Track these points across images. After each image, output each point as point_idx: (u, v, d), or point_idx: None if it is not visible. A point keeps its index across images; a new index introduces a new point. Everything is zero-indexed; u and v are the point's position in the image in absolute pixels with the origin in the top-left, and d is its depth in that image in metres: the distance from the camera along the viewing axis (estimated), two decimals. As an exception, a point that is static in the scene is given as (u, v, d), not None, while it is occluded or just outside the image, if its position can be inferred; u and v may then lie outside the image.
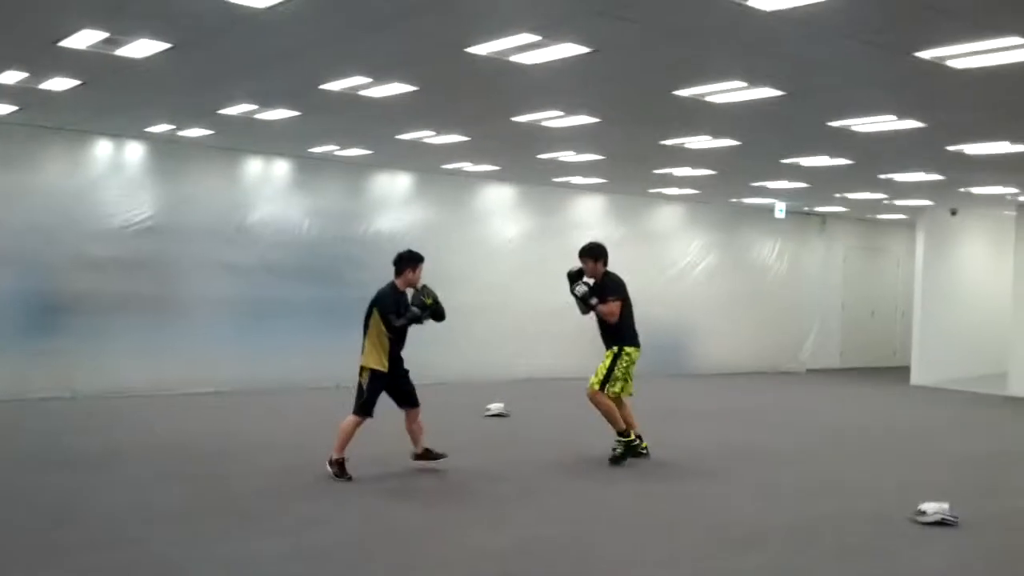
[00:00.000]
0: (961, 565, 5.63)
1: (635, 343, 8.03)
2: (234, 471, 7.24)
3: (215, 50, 6.33)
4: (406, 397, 7.31)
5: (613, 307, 7.89)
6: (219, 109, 8.70)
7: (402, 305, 7.16)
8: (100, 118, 9.71)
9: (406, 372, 7.29)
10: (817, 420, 11.55)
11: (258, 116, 8.90)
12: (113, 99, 8.50)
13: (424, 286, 7.26)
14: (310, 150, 11.53)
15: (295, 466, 7.46)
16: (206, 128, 9.99)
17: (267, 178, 12.22)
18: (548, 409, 11.25)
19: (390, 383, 7.18)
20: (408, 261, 7.29)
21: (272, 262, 12.02)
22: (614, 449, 7.95)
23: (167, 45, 6.15)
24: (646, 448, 8.17)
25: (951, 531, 6.25)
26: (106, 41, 6.10)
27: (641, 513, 6.50)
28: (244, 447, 8.22)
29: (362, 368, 7.12)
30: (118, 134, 10.86)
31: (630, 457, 7.91)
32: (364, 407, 7.08)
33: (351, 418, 7.07)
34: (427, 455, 7.41)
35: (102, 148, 10.92)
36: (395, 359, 7.19)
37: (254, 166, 12.08)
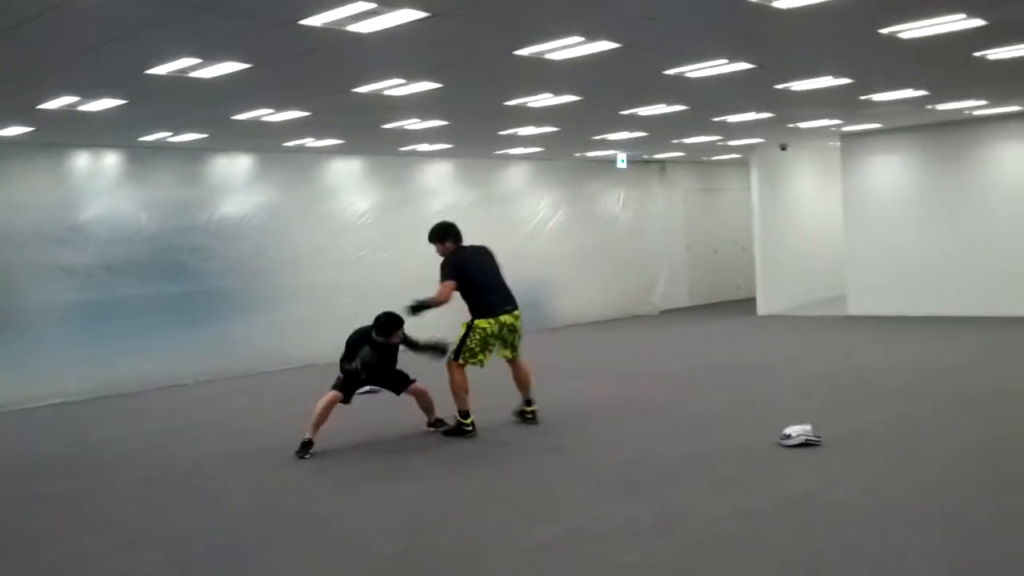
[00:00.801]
0: (832, 481, 5.93)
1: (487, 314, 7.76)
2: (91, 484, 6.89)
3: (26, 41, 5.91)
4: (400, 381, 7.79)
5: (442, 291, 7.70)
6: (37, 104, 8.16)
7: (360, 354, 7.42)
8: (-98, 123, 8.97)
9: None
10: (672, 360, 11.95)
11: (81, 108, 8.39)
12: (-85, 102, 7.86)
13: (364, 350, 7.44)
14: (141, 139, 10.98)
15: (156, 471, 7.19)
16: (25, 125, 9.36)
17: (97, 172, 11.57)
18: (415, 375, 11.18)
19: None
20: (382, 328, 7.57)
21: (111, 260, 11.44)
22: (440, 422, 8.02)
23: (-28, 39, 5.71)
24: (533, 414, 8.16)
25: (817, 451, 6.61)
26: (-98, 39, 5.61)
27: (517, 472, 6.57)
28: (99, 457, 7.84)
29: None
30: (-76, 139, 10.07)
31: (456, 437, 7.72)
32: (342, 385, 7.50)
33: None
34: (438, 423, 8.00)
35: (-92, 155, 10.11)
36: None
37: (82, 161, 11.41)
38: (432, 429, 7.93)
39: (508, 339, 7.84)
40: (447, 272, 7.77)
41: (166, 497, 6.40)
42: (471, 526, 5.39)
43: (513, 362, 8.01)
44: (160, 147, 11.67)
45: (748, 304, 17.49)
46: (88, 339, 11.09)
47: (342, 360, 7.43)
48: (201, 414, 9.72)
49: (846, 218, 15.80)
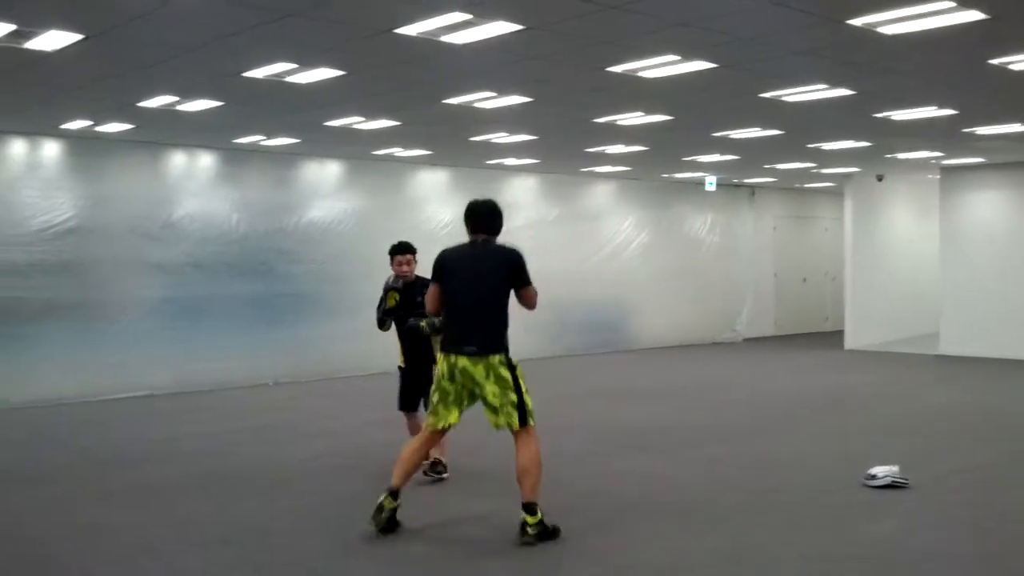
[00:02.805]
0: (917, 526, 5.68)
1: (444, 348, 5.48)
2: (168, 477, 6.99)
3: (131, 40, 6.06)
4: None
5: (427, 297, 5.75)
6: (138, 102, 8.37)
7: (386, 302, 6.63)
8: (12, 116, 9.29)
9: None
10: (757, 391, 11.65)
11: (180, 108, 8.59)
12: (25, 96, 8.12)
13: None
14: (235, 141, 11.21)
15: (232, 468, 7.26)
16: (125, 122, 9.63)
17: (191, 172, 11.86)
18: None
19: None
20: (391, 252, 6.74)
21: (201, 259, 11.69)
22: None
23: (79, 36, 5.86)
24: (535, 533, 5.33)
25: (902, 493, 6.33)
26: (14, 34, 5.79)
27: (591, 497, 6.44)
28: (178, 451, 7.96)
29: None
30: (32, 132, 10.42)
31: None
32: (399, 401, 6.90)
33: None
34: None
35: (16, 148, 10.46)
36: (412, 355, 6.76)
37: (177, 160, 11.70)
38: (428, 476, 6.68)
39: (477, 395, 5.38)
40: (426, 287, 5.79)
41: (237, 495, 6.44)
42: (529, 548, 5.25)
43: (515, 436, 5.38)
44: (253, 150, 11.89)
45: (835, 337, 17.03)
46: (174, 335, 11.33)
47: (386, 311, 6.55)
48: (279, 415, 9.82)
49: (942, 254, 15.27)
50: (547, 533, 5.22)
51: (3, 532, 5.62)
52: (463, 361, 5.29)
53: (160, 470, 7.21)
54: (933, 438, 8.41)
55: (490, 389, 5.26)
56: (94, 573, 4.92)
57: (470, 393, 5.38)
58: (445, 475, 6.72)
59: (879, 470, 6.56)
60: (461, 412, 5.44)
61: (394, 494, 5.40)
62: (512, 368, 5.32)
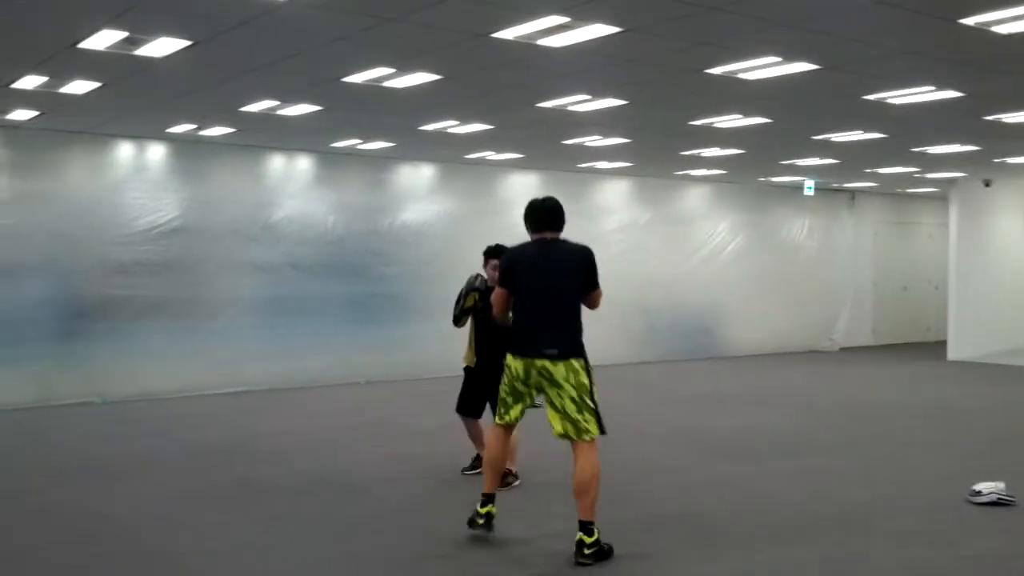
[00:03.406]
0: None
1: (513, 351, 5.29)
2: (267, 474, 7.14)
3: (235, 46, 6.21)
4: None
5: (492, 300, 5.72)
6: (240, 106, 8.59)
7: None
8: (121, 120, 9.63)
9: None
10: (855, 401, 11.34)
11: (280, 112, 8.79)
12: (134, 100, 8.41)
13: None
14: (332, 145, 11.42)
15: (328, 466, 7.37)
16: (228, 126, 9.90)
17: (290, 175, 12.13)
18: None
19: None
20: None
21: (298, 259, 11.95)
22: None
23: (187, 43, 6.04)
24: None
25: (1008, 511, 6.08)
26: (125, 41, 5.99)
27: (683, 506, 6.34)
28: (276, 449, 8.12)
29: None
30: (140, 136, 10.79)
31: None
32: (459, 403, 6.83)
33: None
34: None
35: (124, 151, 10.85)
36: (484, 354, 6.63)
37: (277, 163, 11.98)
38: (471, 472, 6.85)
39: (548, 396, 5.18)
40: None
41: (332, 493, 6.53)
42: (634, 555, 5.20)
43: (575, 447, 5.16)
44: (350, 153, 12.09)
45: (937, 347, 16.47)
46: (271, 333, 11.59)
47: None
48: (370, 414, 9.95)
49: (1054, 262, 14.64)
50: (603, 553, 4.98)
51: (104, 522, 5.81)
52: (540, 362, 5.09)
53: (255, 466, 7.37)
54: (1043, 455, 8.05)
55: (568, 394, 5.05)
56: (190, 566, 5.04)
57: (531, 396, 5.24)
58: (516, 483, 6.60)
59: (984, 486, 6.31)
60: (524, 411, 5.34)
61: (488, 499, 5.37)
62: (590, 373, 5.13)
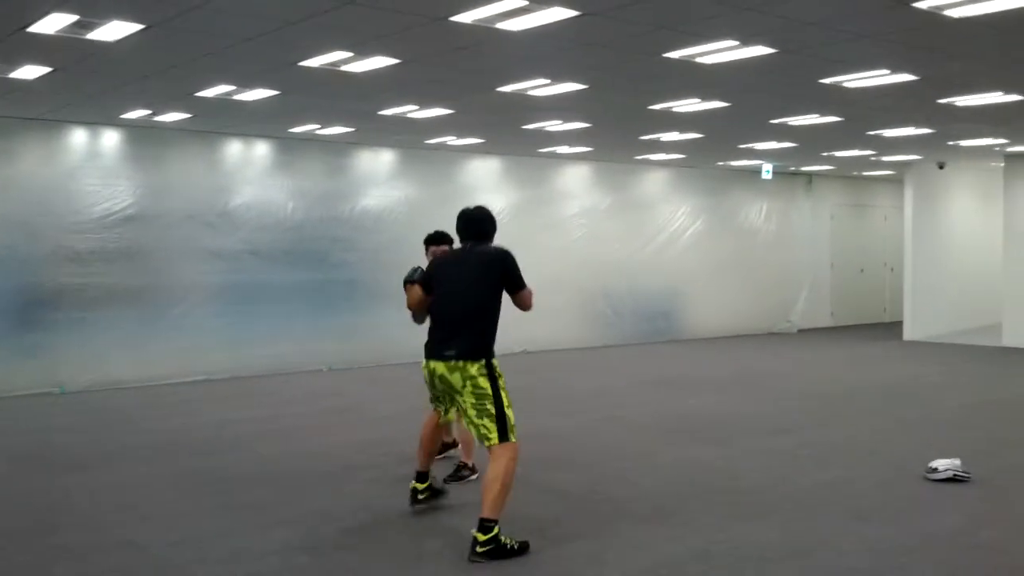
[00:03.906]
0: (980, 520, 5.54)
1: (426, 352, 5.31)
2: (230, 462, 7.09)
3: (189, 29, 6.11)
4: None
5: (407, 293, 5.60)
6: (196, 92, 8.47)
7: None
8: (74, 106, 9.45)
9: None
10: (813, 381, 11.49)
11: (236, 97, 8.67)
12: (87, 86, 8.26)
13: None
14: (290, 130, 11.30)
15: (292, 453, 7.33)
16: (183, 112, 9.75)
17: (248, 160, 11.99)
18: (544, 383, 11.13)
19: None
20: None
21: (257, 246, 11.83)
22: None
23: (139, 26, 5.93)
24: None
25: (965, 487, 6.20)
26: (76, 24, 5.87)
27: (646, 488, 6.39)
28: (239, 436, 8.07)
29: None
30: (93, 122, 10.60)
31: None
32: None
33: None
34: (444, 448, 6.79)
35: (77, 137, 10.66)
36: None
37: (234, 149, 11.84)
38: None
39: (452, 399, 5.21)
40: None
41: (296, 480, 6.50)
42: (598, 537, 5.25)
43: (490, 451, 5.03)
44: (309, 139, 11.99)
45: (894, 328, 16.73)
46: (231, 320, 11.49)
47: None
48: (333, 400, 9.92)
49: (1006, 244, 14.91)
50: (501, 551, 4.83)
51: (65, 512, 5.74)
52: (440, 367, 5.08)
53: (217, 454, 7.32)
54: (995, 432, 8.21)
55: (468, 400, 5.00)
56: (153, 554, 4.99)
57: (451, 399, 5.21)
58: (472, 477, 6.47)
59: (941, 463, 6.43)
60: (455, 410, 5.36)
61: (421, 477, 5.61)
62: (494, 378, 5.02)
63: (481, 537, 4.84)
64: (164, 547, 5.12)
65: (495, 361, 5.09)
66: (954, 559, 4.89)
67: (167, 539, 5.25)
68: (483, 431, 4.98)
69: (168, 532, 5.37)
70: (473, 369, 5.01)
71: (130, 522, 5.57)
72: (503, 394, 5.02)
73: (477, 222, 5.43)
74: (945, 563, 4.83)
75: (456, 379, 5.03)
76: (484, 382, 5.00)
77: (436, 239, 6.61)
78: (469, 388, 5.01)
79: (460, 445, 6.64)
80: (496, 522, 4.87)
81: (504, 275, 5.23)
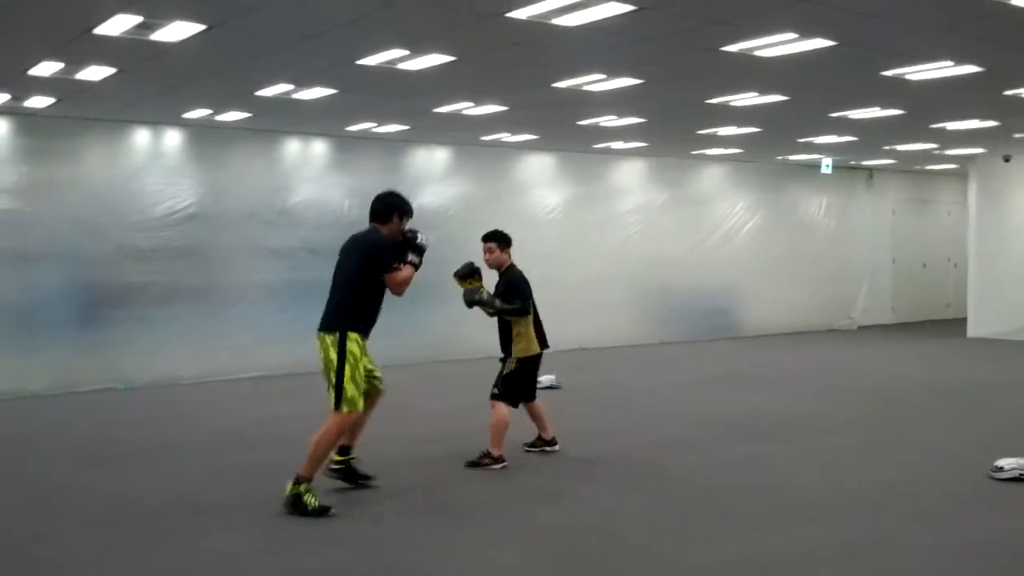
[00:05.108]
0: (1046, 524, 5.41)
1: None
2: (287, 456, 7.16)
3: (249, 29, 6.21)
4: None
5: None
6: (256, 91, 8.60)
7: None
8: (137, 106, 9.65)
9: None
10: (875, 379, 11.28)
11: (295, 96, 8.78)
12: (150, 86, 8.42)
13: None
14: (347, 128, 11.41)
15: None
16: (243, 111, 9.90)
17: (306, 159, 12.14)
18: (600, 379, 11.10)
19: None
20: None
21: (315, 244, 11.91)
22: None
23: (201, 27, 6.04)
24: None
25: (1032, 488, 6.05)
26: (140, 26, 6.00)
27: (702, 486, 6.34)
28: (296, 431, 8.14)
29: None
30: (156, 122, 10.81)
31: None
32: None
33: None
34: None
35: (140, 137, 10.88)
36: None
37: (293, 147, 12.00)
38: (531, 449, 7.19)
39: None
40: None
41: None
42: (645, 532, 5.23)
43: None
44: (365, 137, 12.09)
45: (957, 325, 16.37)
46: (289, 318, 11.58)
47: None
48: (388, 396, 9.95)
49: (1075, 238, 14.49)
50: (301, 507, 5.41)
51: (124, 505, 5.87)
52: (317, 337, 5.65)
53: (274, 448, 7.41)
54: (1066, 432, 8.00)
55: (324, 367, 5.59)
56: (212, 547, 5.08)
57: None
58: (554, 448, 7.02)
59: (1006, 462, 6.28)
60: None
61: (344, 450, 6.02)
62: (343, 352, 5.49)
63: (288, 488, 5.45)
64: (221, 539, 5.21)
65: (353, 335, 5.57)
66: (1019, 561, 4.78)
67: (224, 531, 5.34)
68: (329, 396, 5.54)
69: (226, 524, 5.46)
70: (328, 340, 5.58)
71: (190, 514, 5.67)
72: (347, 367, 5.51)
73: (375, 205, 5.93)
74: (1009, 566, 4.72)
75: (318, 348, 5.65)
76: (332, 354, 5.55)
77: (485, 237, 6.95)
78: (322, 357, 5.60)
79: (537, 422, 7.05)
80: (305, 479, 5.46)
81: (366, 258, 5.71)
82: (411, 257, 5.80)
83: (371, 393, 5.94)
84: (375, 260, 5.68)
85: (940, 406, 9.31)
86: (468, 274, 6.87)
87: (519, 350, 6.82)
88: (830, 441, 7.63)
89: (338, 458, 6.03)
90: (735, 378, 11.26)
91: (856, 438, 7.75)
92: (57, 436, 8.15)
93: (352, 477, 6.10)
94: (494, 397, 6.78)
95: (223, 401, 9.81)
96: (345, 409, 5.54)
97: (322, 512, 5.44)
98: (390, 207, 5.88)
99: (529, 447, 7.13)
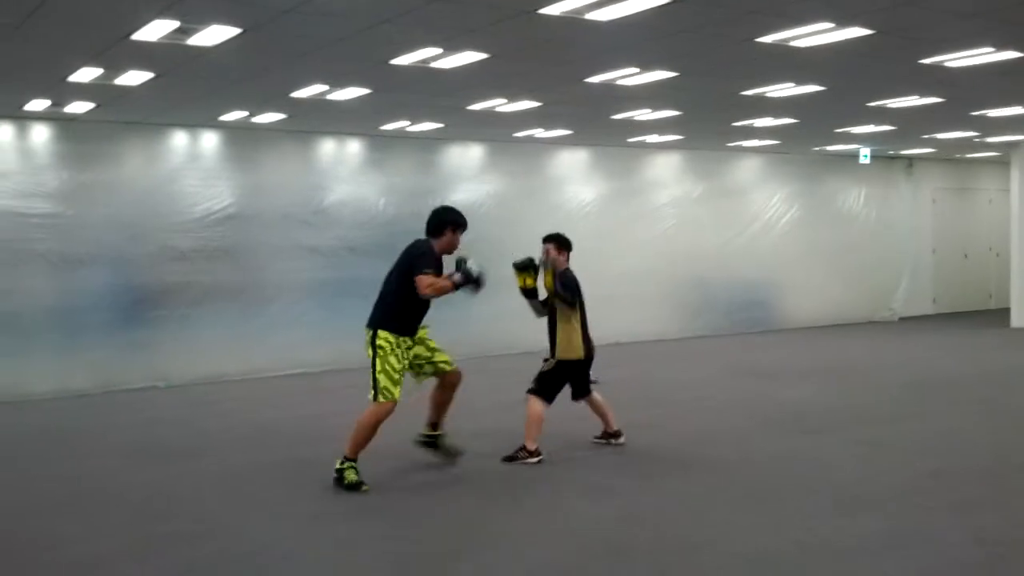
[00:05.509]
0: (1094, 516, 5.33)
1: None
2: (326, 453, 7.22)
3: (284, 32, 6.26)
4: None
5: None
6: (291, 92, 8.66)
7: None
8: (175, 110, 9.77)
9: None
10: (917, 371, 11.15)
11: (330, 97, 8.84)
12: (187, 90, 8.52)
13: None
14: (382, 128, 11.47)
15: (389, 446, 7.43)
16: (279, 112, 9.99)
17: (341, 159, 12.23)
18: (637, 373, 11.07)
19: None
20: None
21: (352, 242, 12.04)
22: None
23: (237, 30, 6.10)
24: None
25: (1078, 480, 5.96)
26: (177, 31, 6.06)
27: (745, 477, 6.31)
28: (336, 427, 8.21)
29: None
30: (193, 125, 10.94)
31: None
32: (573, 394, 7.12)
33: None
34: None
35: (178, 139, 11.02)
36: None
37: (328, 147, 12.09)
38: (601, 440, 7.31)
39: None
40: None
41: (386, 467, 6.59)
42: (687, 524, 5.23)
43: None
44: (399, 136, 12.14)
45: (1000, 315, 16.11)
46: (327, 315, 11.69)
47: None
48: (425, 392, 10.00)
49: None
50: (341, 481, 6.04)
51: (162, 500, 5.96)
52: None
53: (315, 444, 7.47)
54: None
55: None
56: (256, 540, 5.14)
57: None
58: (615, 441, 7.17)
59: (1053, 456, 6.19)
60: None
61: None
62: (374, 347, 6.07)
63: (336, 464, 6.08)
64: (261, 534, 5.28)
65: (384, 334, 6.08)
66: (1069, 554, 4.71)
67: (264, 526, 5.41)
68: (369, 388, 6.07)
69: (266, 519, 5.54)
70: (367, 336, 6.16)
71: (233, 509, 5.76)
72: (378, 361, 6.05)
73: (427, 220, 6.46)
74: (1059, 558, 4.66)
75: (364, 340, 6.19)
76: (369, 350, 6.12)
77: (547, 238, 7.17)
78: (365, 351, 6.16)
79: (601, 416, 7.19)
80: (349, 459, 6.06)
81: (406, 263, 6.21)
82: (455, 275, 6.18)
83: (440, 374, 6.55)
84: (411, 264, 6.13)
85: (982, 398, 9.19)
86: (524, 267, 7.01)
87: (560, 351, 6.87)
88: (871, 433, 7.57)
89: (428, 432, 6.70)
90: (774, 371, 11.17)
91: (897, 430, 7.68)
92: (101, 434, 8.30)
93: (439, 449, 6.68)
94: (529, 392, 6.85)
95: (264, 398, 9.91)
96: (380, 399, 6.02)
97: (355, 487, 6.00)
98: (442, 221, 6.36)
99: (597, 439, 7.26)
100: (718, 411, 8.67)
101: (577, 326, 6.89)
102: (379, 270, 11.88)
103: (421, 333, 6.38)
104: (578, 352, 6.89)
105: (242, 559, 4.89)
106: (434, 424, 6.72)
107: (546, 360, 6.95)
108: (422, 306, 6.23)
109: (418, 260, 6.12)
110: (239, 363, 11.09)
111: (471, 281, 6.22)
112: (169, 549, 5.04)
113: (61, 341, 10.18)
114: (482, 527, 5.35)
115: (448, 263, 6.50)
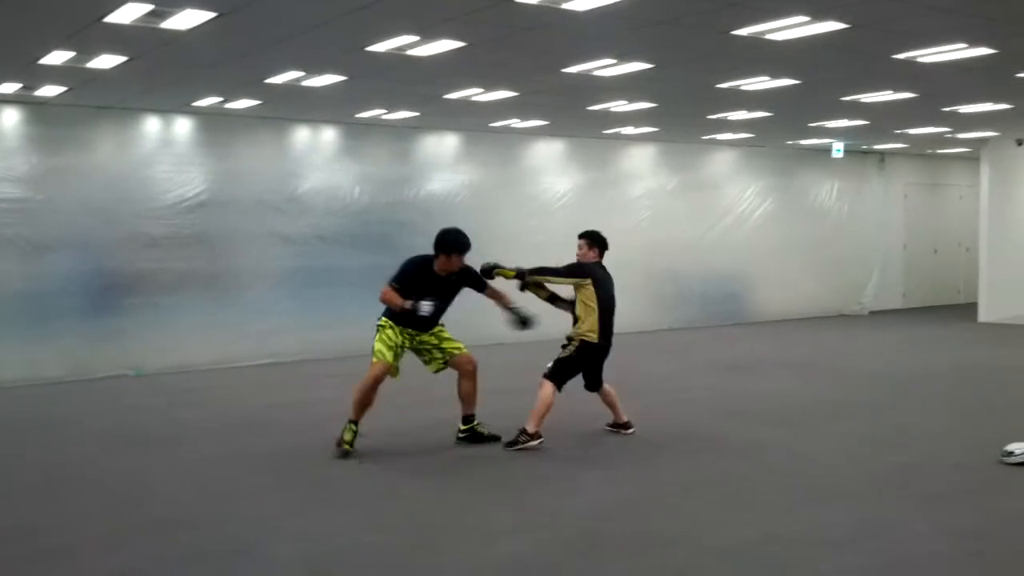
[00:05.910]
0: (1058, 508, 5.41)
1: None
2: (301, 443, 7.21)
3: (259, 17, 6.21)
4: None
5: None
6: (266, 78, 8.60)
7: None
8: (148, 94, 9.67)
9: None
10: (886, 364, 11.26)
11: (305, 83, 8.78)
12: (160, 74, 8.44)
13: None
14: (357, 115, 11.41)
15: (363, 434, 7.42)
16: (253, 99, 9.91)
17: (315, 146, 12.15)
18: (612, 366, 11.08)
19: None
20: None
21: (325, 231, 11.99)
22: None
23: (211, 14, 6.04)
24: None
25: (1043, 472, 6.04)
26: (150, 14, 6.00)
27: (719, 470, 6.35)
28: (309, 417, 8.20)
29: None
30: (166, 110, 10.83)
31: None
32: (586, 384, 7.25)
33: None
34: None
35: (151, 125, 10.91)
36: None
37: (302, 135, 12.01)
38: (612, 429, 7.41)
39: None
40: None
41: (365, 459, 6.59)
42: (662, 517, 5.26)
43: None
44: (374, 124, 12.09)
45: (968, 310, 16.31)
46: (300, 304, 11.67)
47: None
48: (401, 382, 9.98)
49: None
50: (340, 446, 6.56)
51: (138, 489, 5.92)
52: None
53: (289, 435, 7.46)
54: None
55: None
56: (229, 531, 5.12)
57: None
58: (627, 431, 7.33)
59: (1017, 447, 6.27)
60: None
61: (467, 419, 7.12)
62: (377, 328, 6.86)
63: (345, 427, 6.65)
64: (238, 523, 5.25)
65: (384, 318, 6.84)
66: (1033, 544, 4.78)
67: (241, 515, 5.38)
68: None
69: (242, 508, 5.51)
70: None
71: (210, 498, 5.72)
72: (377, 334, 6.83)
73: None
74: (1019, 548, 4.72)
75: None
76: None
77: (582, 235, 7.65)
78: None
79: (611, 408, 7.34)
80: (352, 420, 6.62)
81: None
82: (407, 303, 6.60)
83: (452, 362, 7.05)
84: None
85: (951, 391, 9.29)
86: (488, 272, 7.15)
87: (580, 330, 6.98)
88: (843, 426, 7.63)
89: (463, 427, 7.05)
90: (748, 364, 11.25)
91: (868, 423, 7.75)
92: (73, 423, 8.22)
93: (480, 439, 6.98)
94: (545, 376, 6.97)
95: (236, 387, 9.85)
96: (374, 359, 6.71)
97: (344, 455, 6.51)
98: (436, 245, 6.85)
99: (610, 427, 7.39)
100: (693, 403, 8.71)
101: (594, 307, 6.98)
102: (351, 259, 12.06)
103: (436, 330, 6.97)
104: (593, 332, 6.93)
105: (219, 547, 4.86)
106: (467, 418, 7.05)
107: (564, 346, 7.04)
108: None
109: (398, 271, 6.86)
110: (211, 352, 11.02)
111: (415, 315, 6.59)
112: (146, 537, 5.00)
113: (31, 328, 10.07)
114: (456, 520, 5.34)
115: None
